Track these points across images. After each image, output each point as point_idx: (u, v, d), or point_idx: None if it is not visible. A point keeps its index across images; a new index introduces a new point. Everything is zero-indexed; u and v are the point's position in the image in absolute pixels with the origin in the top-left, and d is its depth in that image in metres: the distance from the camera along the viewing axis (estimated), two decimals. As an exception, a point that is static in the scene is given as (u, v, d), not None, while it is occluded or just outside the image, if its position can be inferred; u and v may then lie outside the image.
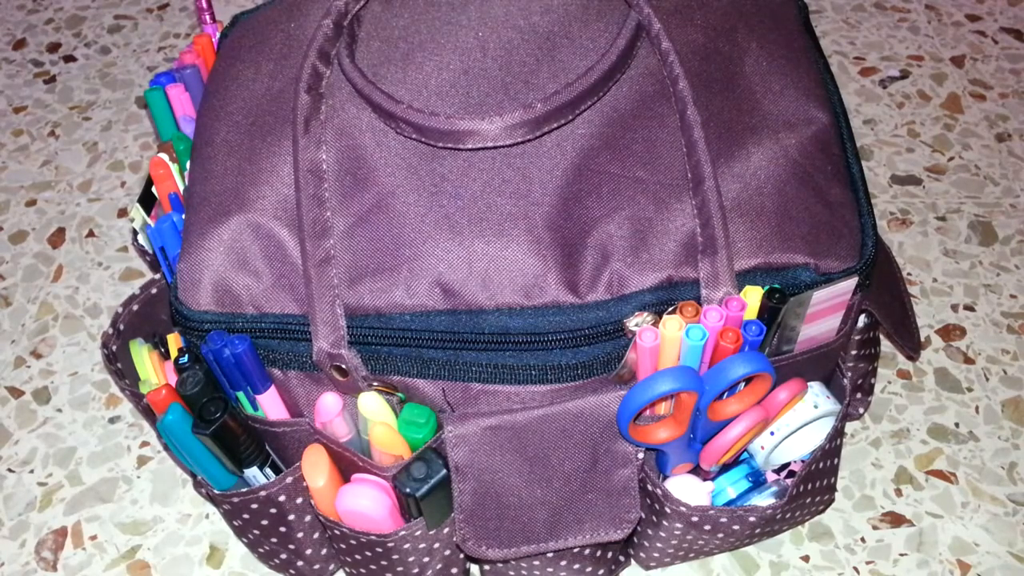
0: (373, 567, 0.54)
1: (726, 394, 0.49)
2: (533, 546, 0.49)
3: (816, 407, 0.55)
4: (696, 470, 0.55)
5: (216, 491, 0.52)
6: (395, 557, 0.52)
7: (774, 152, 0.50)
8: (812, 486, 0.55)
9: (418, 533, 0.51)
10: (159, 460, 0.68)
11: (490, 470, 0.49)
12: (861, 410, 0.65)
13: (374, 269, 0.48)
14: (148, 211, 0.58)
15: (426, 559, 0.53)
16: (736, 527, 0.53)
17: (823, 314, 0.50)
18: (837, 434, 0.54)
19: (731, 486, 0.57)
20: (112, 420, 0.70)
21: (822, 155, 0.51)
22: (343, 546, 0.53)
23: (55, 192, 0.86)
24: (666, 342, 0.46)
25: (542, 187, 0.48)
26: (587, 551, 0.53)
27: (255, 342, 0.49)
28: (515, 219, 0.48)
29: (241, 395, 0.51)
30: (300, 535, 0.55)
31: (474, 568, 0.60)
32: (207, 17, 0.63)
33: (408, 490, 0.48)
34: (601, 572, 0.56)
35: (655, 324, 0.47)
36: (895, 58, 0.94)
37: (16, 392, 0.72)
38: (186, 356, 0.50)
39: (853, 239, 0.49)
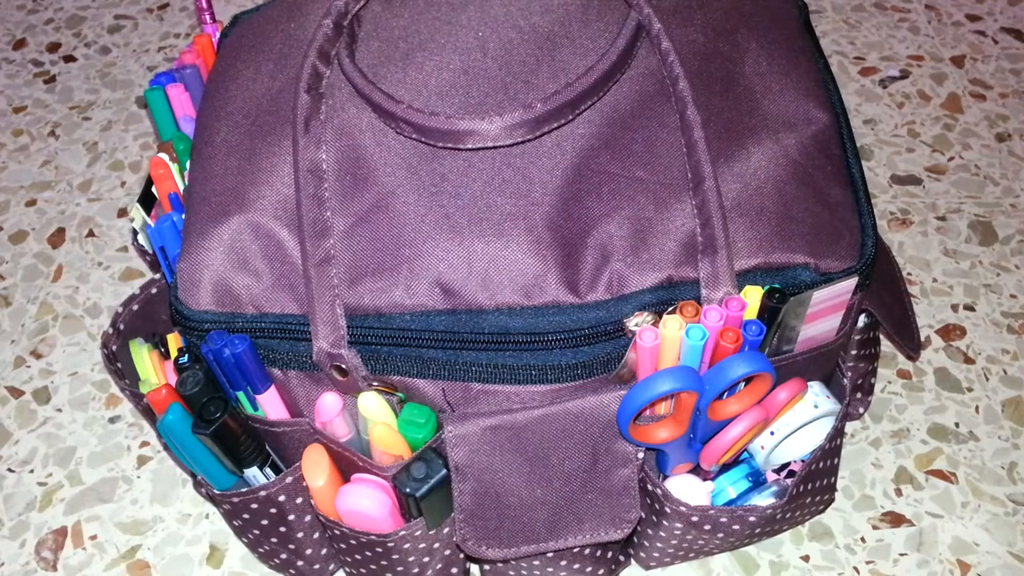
0: (373, 567, 0.54)
1: (726, 394, 0.49)
2: (533, 546, 0.49)
3: (816, 407, 0.55)
4: (696, 470, 0.55)
5: (216, 491, 0.52)
6: (395, 557, 0.52)
7: (774, 152, 0.50)
8: (812, 486, 0.55)
9: (418, 533, 0.51)
10: (159, 460, 0.68)
11: (490, 470, 0.49)
12: (861, 410, 0.65)
13: (374, 269, 0.48)
14: (148, 211, 0.58)
15: (426, 559, 0.53)
16: (736, 527, 0.53)
17: (823, 314, 0.50)
18: (837, 434, 0.54)
19: (731, 486, 0.57)
20: (112, 420, 0.70)
21: (822, 155, 0.51)
22: (343, 546, 0.53)
23: (55, 192, 0.86)
24: (666, 342, 0.46)
25: (542, 187, 0.48)
26: (587, 551, 0.53)
27: (255, 342, 0.49)
28: (515, 219, 0.48)
29: (241, 395, 0.51)
30: (300, 535, 0.55)
31: (474, 568, 0.60)
32: (207, 17, 0.63)
33: (408, 490, 0.48)
34: (601, 572, 0.56)
35: (655, 324, 0.47)
36: (895, 58, 0.94)
37: (16, 392, 0.72)
38: (186, 356, 0.50)
39: (853, 239, 0.49)
